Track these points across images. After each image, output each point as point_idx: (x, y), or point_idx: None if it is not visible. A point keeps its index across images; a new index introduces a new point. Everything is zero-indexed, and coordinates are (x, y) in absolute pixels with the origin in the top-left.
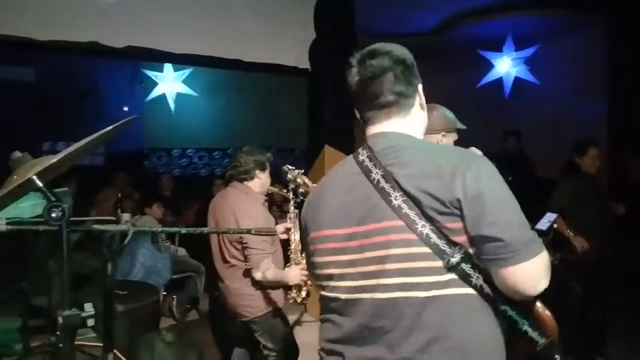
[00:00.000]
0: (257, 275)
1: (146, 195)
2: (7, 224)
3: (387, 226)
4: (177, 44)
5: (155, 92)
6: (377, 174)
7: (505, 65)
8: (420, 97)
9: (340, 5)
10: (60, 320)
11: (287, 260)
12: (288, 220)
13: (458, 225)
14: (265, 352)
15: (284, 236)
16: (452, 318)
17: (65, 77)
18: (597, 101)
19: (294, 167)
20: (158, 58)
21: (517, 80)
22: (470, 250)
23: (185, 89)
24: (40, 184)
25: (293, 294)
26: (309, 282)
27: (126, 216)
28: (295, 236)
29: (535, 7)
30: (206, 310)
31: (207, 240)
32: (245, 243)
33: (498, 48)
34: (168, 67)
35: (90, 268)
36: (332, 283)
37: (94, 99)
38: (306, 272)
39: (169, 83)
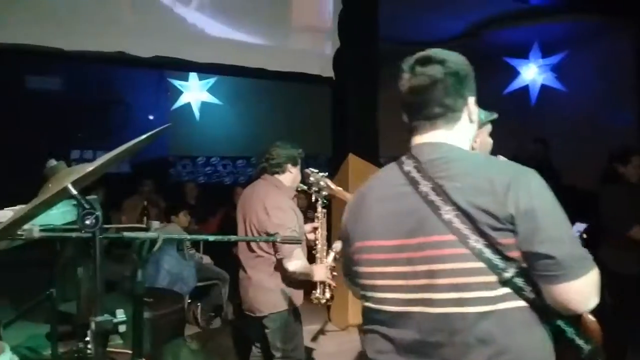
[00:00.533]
0: (290, 265)
1: (171, 203)
2: (40, 230)
3: (438, 240)
4: (202, 53)
5: (181, 101)
6: (425, 186)
7: (532, 73)
8: (470, 111)
9: (365, 13)
10: (92, 326)
11: (312, 260)
12: (315, 220)
13: (511, 240)
14: (273, 351)
15: (311, 236)
16: (509, 332)
17: (92, 87)
18: (626, 109)
19: (317, 170)
20: (183, 67)
21: (544, 87)
22: (524, 265)
23: (210, 98)
24: (74, 192)
25: (317, 294)
26: (333, 284)
27: (156, 224)
28: (322, 235)
29: (563, 14)
30: (230, 318)
31: (231, 249)
32: (276, 233)
33: (524, 55)
34: (193, 76)
35: (115, 275)
36: (378, 294)
37: (120, 107)
38: (330, 272)
39: (194, 92)
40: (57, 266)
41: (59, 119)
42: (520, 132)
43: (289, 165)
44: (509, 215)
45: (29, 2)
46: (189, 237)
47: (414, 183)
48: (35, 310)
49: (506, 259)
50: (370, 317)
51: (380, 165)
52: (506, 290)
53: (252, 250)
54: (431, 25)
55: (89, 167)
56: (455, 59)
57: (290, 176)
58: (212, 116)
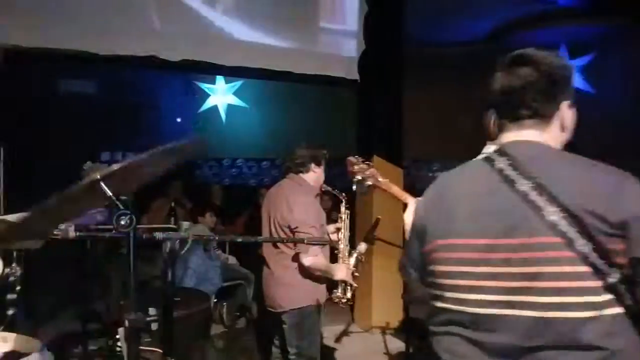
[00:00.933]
0: (306, 260)
1: (198, 204)
2: (75, 230)
3: (541, 242)
4: (229, 57)
5: (208, 104)
6: (524, 185)
7: None
8: (562, 117)
9: (390, 15)
10: (126, 323)
11: (334, 259)
12: (339, 220)
13: (620, 246)
14: (288, 347)
15: (334, 236)
16: (612, 338)
17: (122, 90)
18: None
19: (361, 159)
20: (211, 71)
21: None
22: (627, 271)
23: (236, 101)
24: (109, 192)
25: (338, 293)
26: (354, 284)
27: (186, 224)
28: (345, 236)
29: (591, 15)
30: (255, 318)
31: (256, 249)
32: (295, 228)
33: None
34: (220, 79)
35: (143, 275)
36: (460, 295)
37: (149, 110)
38: (352, 272)
39: (221, 95)
40: (88, 266)
41: (89, 121)
42: None
43: (313, 165)
44: (621, 220)
45: (63, 8)
46: (217, 237)
47: (509, 181)
48: (67, 308)
49: (611, 264)
50: (446, 319)
51: (403, 167)
52: (609, 296)
53: (275, 246)
54: (457, 26)
55: (110, 169)
56: (552, 60)
57: (314, 175)
58: (238, 118)
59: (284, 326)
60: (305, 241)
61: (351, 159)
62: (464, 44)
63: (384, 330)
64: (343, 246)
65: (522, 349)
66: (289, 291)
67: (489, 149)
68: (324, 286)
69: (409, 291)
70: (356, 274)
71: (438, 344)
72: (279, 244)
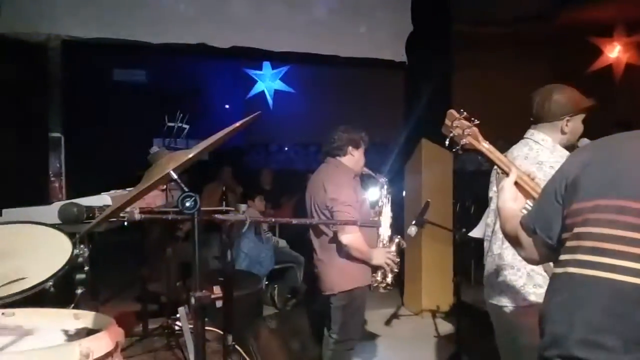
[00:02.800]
0: (344, 239)
1: (247, 189)
2: (140, 212)
3: None
4: (276, 42)
5: (255, 90)
6: None
7: (616, 51)
8: None
9: None
10: (192, 300)
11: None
12: (379, 204)
13: None
14: (332, 326)
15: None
16: None
17: (173, 78)
18: None
19: (465, 113)
20: (260, 57)
21: (629, 67)
22: None
23: (282, 86)
24: (175, 176)
25: (378, 277)
26: (395, 269)
27: (243, 207)
28: (385, 220)
29: None
30: (305, 300)
31: (306, 233)
32: (331, 207)
33: (608, 34)
34: (267, 65)
35: (200, 258)
36: (607, 260)
37: (199, 97)
38: (391, 257)
39: (268, 81)
40: (146, 248)
41: (142, 109)
42: (603, 113)
43: (350, 148)
44: None
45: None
46: (273, 219)
47: None
48: (126, 290)
49: None
50: (590, 292)
51: (452, 150)
52: None
53: (320, 231)
54: (505, 4)
55: (190, 154)
56: None
57: (352, 159)
58: (285, 104)
59: (331, 306)
60: (359, 223)
61: (452, 111)
62: (513, 22)
63: (434, 314)
64: (383, 231)
65: None
66: (337, 274)
67: None
68: (368, 267)
69: (526, 254)
70: (397, 259)
71: (572, 311)
72: (323, 228)
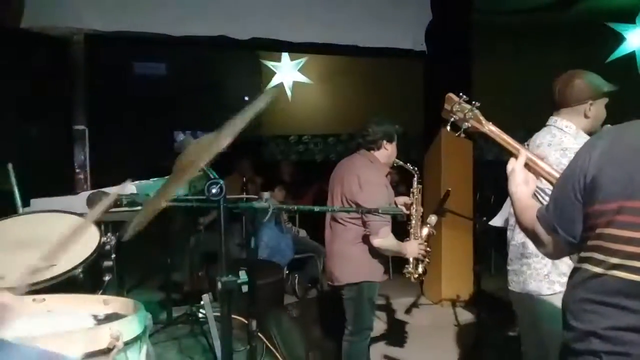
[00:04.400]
0: (376, 242)
1: (267, 180)
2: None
3: None
4: (295, 33)
5: (274, 82)
6: None
7: (639, 38)
8: None
9: None
10: (219, 285)
11: (406, 234)
12: (410, 196)
13: None
14: (346, 317)
15: (405, 211)
16: None
17: (191, 71)
18: None
19: (464, 97)
20: (279, 48)
21: None
22: None
23: (301, 78)
24: (203, 164)
25: (410, 268)
26: (427, 259)
27: (266, 194)
28: (417, 211)
29: None
30: (326, 289)
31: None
32: (359, 205)
33: (631, 19)
34: (285, 57)
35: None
36: (633, 263)
37: (217, 90)
38: (424, 247)
39: (286, 72)
40: (169, 238)
41: (162, 102)
42: (626, 102)
43: (385, 142)
44: None
45: None
46: (295, 207)
47: None
48: (151, 279)
49: None
50: (613, 288)
51: (472, 139)
52: None
53: (339, 221)
54: None
55: (220, 145)
56: None
57: (386, 153)
58: (304, 95)
59: (343, 297)
60: (381, 210)
61: (451, 95)
62: (533, 11)
63: (454, 303)
64: (415, 221)
65: None
66: (347, 266)
67: None
68: (380, 264)
69: (546, 250)
70: (428, 249)
71: (594, 315)
72: (344, 219)
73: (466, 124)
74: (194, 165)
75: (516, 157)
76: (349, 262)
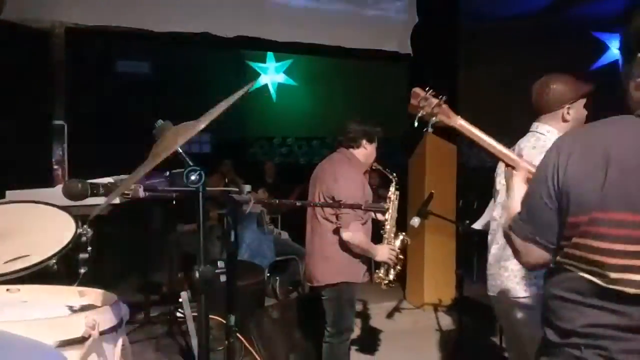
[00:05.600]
0: (345, 235)
1: (249, 181)
2: (145, 190)
3: None
4: (281, 32)
5: (258, 83)
6: None
7: None
8: None
9: None
10: (196, 274)
11: (379, 240)
12: (387, 201)
13: None
14: (326, 318)
15: (380, 216)
16: None
17: (174, 71)
18: None
19: (432, 91)
20: (264, 47)
21: None
22: None
23: (286, 80)
24: (180, 150)
25: (380, 273)
26: (398, 266)
27: (247, 187)
28: (392, 217)
29: None
30: (307, 292)
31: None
32: (339, 200)
33: (615, 29)
34: (270, 58)
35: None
36: (614, 275)
37: (200, 90)
38: (395, 254)
39: (271, 74)
40: (146, 238)
41: (144, 98)
42: (608, 109)
43: (364, 141)
44: None
45: None
46: (277, 200)
47: None
48: (128, 279)
49: None
50: (591, 290)
51: (457, 144)
52: None
53: (317, 218)
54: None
55: (196, 128)
56: None
57: (365, 152)
58: (288, 97)
59: (322, 298)
60: (364, 207)
61: (417, 89)
62: (521, 17)
63: (436, 307)
64: (389, 227)
65: None
66: (326, 266)
67: None
68: (361, 264)
69: (525, 261)
70: (401, 256)
71: (571, 312)
72: (322, 217)
73: (434, 118)
74: (169, 148)
75: (498, 158)
76: (328, 262)
